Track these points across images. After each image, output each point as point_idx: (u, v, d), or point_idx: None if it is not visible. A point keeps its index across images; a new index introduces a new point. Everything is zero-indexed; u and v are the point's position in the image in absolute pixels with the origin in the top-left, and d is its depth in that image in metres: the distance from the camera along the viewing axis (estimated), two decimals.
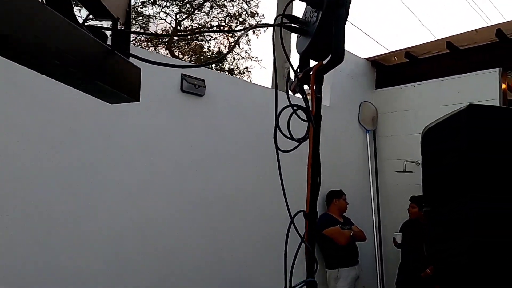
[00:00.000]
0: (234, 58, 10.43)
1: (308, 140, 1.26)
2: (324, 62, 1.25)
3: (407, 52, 4.78)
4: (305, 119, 1.26)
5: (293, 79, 1.28)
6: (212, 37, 10.95)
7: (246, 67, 9.94)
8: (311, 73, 1.19)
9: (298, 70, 1.26)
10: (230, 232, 3.30)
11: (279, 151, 1.30)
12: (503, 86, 4.05)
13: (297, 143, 1.27)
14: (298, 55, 1.32)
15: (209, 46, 11.36)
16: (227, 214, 3.29)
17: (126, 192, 2.74)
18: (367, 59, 5.02)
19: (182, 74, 3.09)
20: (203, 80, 3.20)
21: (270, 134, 3.76)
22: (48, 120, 2.44)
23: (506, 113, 1.60)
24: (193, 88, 3.14)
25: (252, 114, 3.59)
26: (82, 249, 2.48)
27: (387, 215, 4.61)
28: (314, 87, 1.13)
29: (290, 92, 1.38)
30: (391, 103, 4.85)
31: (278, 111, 1.27)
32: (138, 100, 0.76)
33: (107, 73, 0.63)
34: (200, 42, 11.02)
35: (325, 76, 4.35)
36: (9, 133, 2.30)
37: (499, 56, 4.09)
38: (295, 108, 1.26)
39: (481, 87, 4.08)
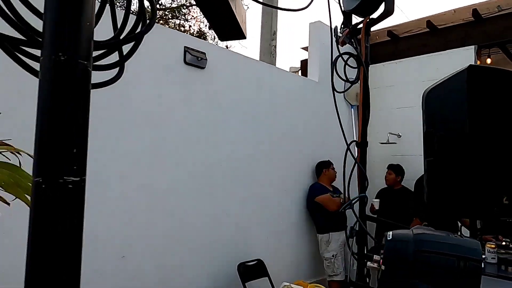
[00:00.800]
0: (214, 37, 10.41)
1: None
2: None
3: (389, 31, 5.04)
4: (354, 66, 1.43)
5: (340, 35, 1.46)
6: (193, 16, 10.86)
7: (226, 46, 9.95)
8: (361, 26, 1.36)
9: (342, 26, 1.43)
10: (229, 197, 3.47)
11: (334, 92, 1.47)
12: (478, 62, 4.38)
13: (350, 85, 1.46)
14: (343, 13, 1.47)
15: (190, 25, 11.26)
16: (226, 180, 3.45)
17: (134, 159, 2.84)
18: None
19: (185, 47, 3.19)
20: (204, 53, 3.31)
21: (266, 106, 3.92)
22: None
23: (506, 74, 1.75)
24: (195, 60, 3.24)
25: (250, 87, 3.74)
26: (93, 213, 2.58)
27: (370, 184, 4.91)
28: (364, 38, 1.30)
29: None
30: (373, 80, 5.09)
31: (334, 59, 1.43)
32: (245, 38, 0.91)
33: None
34: (179, 21, 10.91)
35: (313, 52, 4.58)
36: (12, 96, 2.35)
37: (475, 34, 4.41)
38: (347, 56, 1.43)
39: (458, 64, 4.36)
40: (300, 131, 4.30)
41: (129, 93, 2.83)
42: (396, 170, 4.35)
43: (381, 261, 1.21)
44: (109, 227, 2.66)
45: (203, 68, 3.31)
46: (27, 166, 0.67)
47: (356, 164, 1.49)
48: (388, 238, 1.17)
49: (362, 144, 1.50)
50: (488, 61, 5.11)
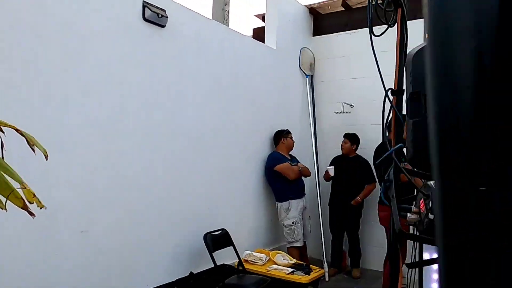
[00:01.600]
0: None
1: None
2: None
3: (343, 1, 5.06)
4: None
5: None
6: None
7: None
8: None
9: None
10: (193, 166, 3.32)
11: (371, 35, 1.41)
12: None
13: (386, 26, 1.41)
14: None
15: None
16: (189, 149, 3.29)
17: (96, 124, 2.57)
18: (306, 6, 5.19)
19: (144, 2, 2.89)
20: (164, 10, 3.04)
21: (229, 72, 3.76)
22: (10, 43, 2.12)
23: None
24: (155, 17, 2.96)
25: (213, 51, 3.54)
26: (54, 182, 2.30)
27: (323, 152, 5.03)
28: None
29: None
30: (327, 50, 5.15)
31: None
32: None
33: None
34: None
35: (271, 20, 4.43)
36: None
37: None
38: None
39: (411, 36, 4.56)
40: (261, 99, 4.22)
41: (86, 52, 2.51)
42: (352, 139, 4.48)
43: (423, 210, 1.18)
44: (68, 198, 2.39)
45: (163, 26, 3.04)
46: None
47: (393, 112, 1.46)
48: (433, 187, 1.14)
49: (398, 91, 1.45)
50: None
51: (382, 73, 4.77)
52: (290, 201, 4.04)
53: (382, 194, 1.43)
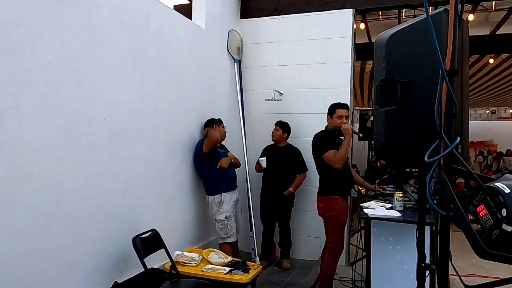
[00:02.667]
0: None
1: None
2: None
3: None
4: None
5: None
6: None
7: None
8: None
9: None
10: (113, 157, 2.82)
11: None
12: (355, 25, 4.62)
13: None
14: None
15: None
16: (108, 136, 2.78)
17: None
18: None
19: None
20: None
21: (153, 49, 3.29)
22: None
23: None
24: None
25: (136, 23, 3.04)
26: None
27: (252, 141, 4.82)
28: None
29: None
30: (256, 34, 4.92)
31: None
32: None
33: None
34: None
35: None
36: None
37: None
38: None
39: (337, 25, 4.55)
40: (189, 81, 3.82)
41: None
42: (283, 127, 4.33)
43: (487, 217, 0.97)
44: None
45: None
46: None
47: (445, 99, 1.14)
48: (507, 192, 0.93)
49: (451, 72, 1.14)
50: (362, 26, 5.49)
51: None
52: (222, 194, 3.74)
53: (429, 196, 1.16)
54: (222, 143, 4.04)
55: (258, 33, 4.90)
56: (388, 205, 2.65)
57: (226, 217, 3.71)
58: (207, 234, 4.14)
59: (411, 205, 2.68)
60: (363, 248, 3.23)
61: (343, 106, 3.54)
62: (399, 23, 5.67)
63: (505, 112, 18.22)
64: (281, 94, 4.62)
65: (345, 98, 4.41)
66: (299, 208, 4.51)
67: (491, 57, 7.50)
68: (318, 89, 4.56)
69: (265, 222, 4.37)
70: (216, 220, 3.74)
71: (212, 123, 3.92)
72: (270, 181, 4.31)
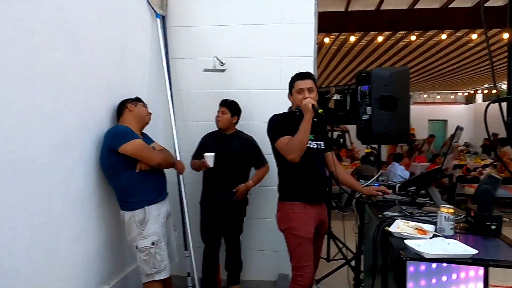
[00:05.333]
0: None
1: None
2: None
3: None
4: None
5: None
6: None
7: None
8: None
9: None
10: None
11: None
12: None
13: None
14: None
15: None
16: None
17: None
18: None
19: None
20: None
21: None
22: None
23: None
24: None
25: None
26: None
27: (184, 128, 3.57)
28: None
29: None
30: None
31: None
32: None
33: None
34: None
35: None
36: None
37: None
38: None
39: None
40: (91, 40, 2.43)
41: None
42: (232, 109, 3.17)
43: None
44: None
45: None
46: None
47: None
48: None
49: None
50: None
51: (260, 22, 3.35)
52: (146, 208, 2.46)
53: None
54: (144, 130, 2.75)
55: None
56: (427, 227, 1.64)
57: (153, 243, 2.45)
58: (123, 267, 2.84)
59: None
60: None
61: (303, 76, 2.52)
62: None
63: (419, 97, 19.16)
64: (222, 64, 3.42)
65: (308, 69, 3.38)
66: (250, 214, 3.40)
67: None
68: (272, 58, 3.45)
69: (207, 238, 3.19)
70: (137, 248, 2.46)
71: (126, 102, 2.61)
72: (215, 183, 3.13)
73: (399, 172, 6.68)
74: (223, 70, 3.33)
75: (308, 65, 3.37)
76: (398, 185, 1.83)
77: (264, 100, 3.43)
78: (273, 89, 3.40)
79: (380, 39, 6.90)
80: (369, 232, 2.24)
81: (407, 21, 5.81)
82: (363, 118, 3.14)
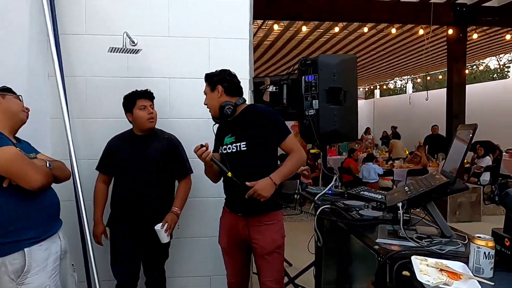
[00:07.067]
0: None
1: None
2: None
3: None
4: None
5: None
6: None
7: None
8: None
9: None
10: None
11: None
12: None
13: None
14: None
15: None
16: None
17: None
18: None
19: None
20: None
21: None
22: None
23: None
24: None
25: None
26: None
27: (83, 131, 2.71)
28: None
29: None
30: None
31: None
32: None
33: None
34: None
35: None
36: None
37: None
38: None
39: None
40: None
41: None
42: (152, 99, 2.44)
43: None
44: None
45: None
46: None
47: None
48: None
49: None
50: None
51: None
52: (26, 250, 1.65)
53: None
54: (19, 132, 1.89)
55: None
56: (456, 266, 1.16)
57: None
58: None
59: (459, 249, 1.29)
60: None
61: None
62: None
63: None
64: (134, 44, 2.64)
65: (242, 55, 2.81)
66: (177, 233, 2.71)
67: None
68: (198, 39, 2.78)
69: (119, 272, 2.42)
70: None
71: None
72: (128, 198, 2.38)
73: (378, 171, 6.77)
74: (135, 51, 2.56)
75: (243, 50, 2.79)
76: (400, 202, 1.36)
77: (188, 91, 2.76)
78: (199, 78, 2.71)
79: (304, 29, 6.61)
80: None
81: (331, 12, 5.58)
82: (309, 114, 2.68)
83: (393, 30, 6.59)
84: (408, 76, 17.65)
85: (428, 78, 15.94)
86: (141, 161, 2.35)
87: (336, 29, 6.58)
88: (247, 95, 2.74)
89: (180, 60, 2.76)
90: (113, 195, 2.46)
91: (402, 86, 24.43)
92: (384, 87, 18.53)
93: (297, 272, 3.33)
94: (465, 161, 6.92)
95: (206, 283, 2.86)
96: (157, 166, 2.37)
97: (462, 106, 6.05)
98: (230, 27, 2.79)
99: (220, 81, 2.19)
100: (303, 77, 2.69)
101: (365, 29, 6.53)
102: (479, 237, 1.18)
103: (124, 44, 2.46)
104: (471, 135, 1.32)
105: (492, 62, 23.47)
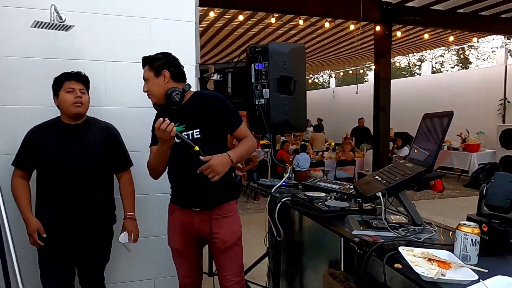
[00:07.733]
0: None
1: None
2: None
3: None
4: None
5: None
6: None
7: None
8: None
9: None
10: None
11: None
12: None
13: None
14: None
15: None
16: None
17: None
18: None
19: None
20: None
21: None
22: None
23: None
24: None
25: None
26: None
27: (9, 116, 2.31)
28: None
29: None
30: None
31: None
32: None
33: None
34: None
35: None
36: None
37: None
38: None
39: None
40: None
41: None
42: (88, 87, 2.13)
43: None
44: None
45: None
46: None
47: None
48: None
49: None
50: None
51: None
52: None
53: None
54: None
55: None
56: (443, 254, 1.13)
57: None
58: None
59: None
60: None
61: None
62: None
63: None
64: (62, 20, 2.29)
65: (188, 38, 2.60)
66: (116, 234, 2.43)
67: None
68: (138, 19, 2.51)
69: (51, 285, 2.11)
70: None
71: None
72: (61, 197, 2.06)
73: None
74: (66, 27, 2.21)
75: (189, 33, 2.59)
76: (380, 192, 1.31)
77: (125, 76, 2.49)
78: (138, 62, 2.44)
79: (241, 17, 6.48)
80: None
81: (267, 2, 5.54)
82: (259, 103, 2.58)
83: (326, 24, 6.76)
84: (329, 71, 18.50)
85: (350, 71, 16.86)
86: (79, 154, 2.05)
87: (272, 20, 6.56)
88: (194, 82, 2.56)
89: (119, 42, 2.47)
90: (37, 193, 2.12)
91: (324, 81, 25.64)
92: (310, 81, 19.19)
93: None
94: None
95: (149, 287, 2.64)
96: (100, 159, 2.09)
97: (387, 99, 6.45)
98: (174, 8, 2.56)
99: (165, 65, 2.00)
100: (252, 65, 2.57)
101: (300, 21, 6.61)
102: (465, 224, 1.17)
103: (52, 19, 2.11)
104: (447, 123, 1.32)
105: (403, 61, 25.71)
